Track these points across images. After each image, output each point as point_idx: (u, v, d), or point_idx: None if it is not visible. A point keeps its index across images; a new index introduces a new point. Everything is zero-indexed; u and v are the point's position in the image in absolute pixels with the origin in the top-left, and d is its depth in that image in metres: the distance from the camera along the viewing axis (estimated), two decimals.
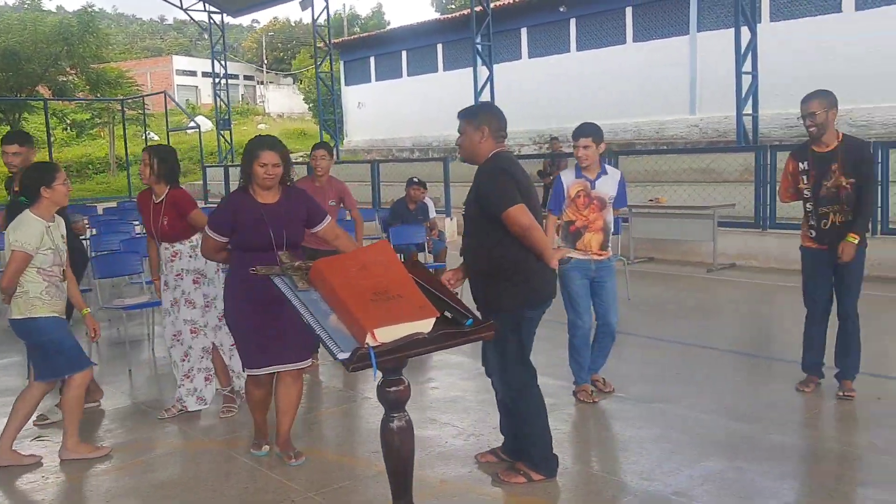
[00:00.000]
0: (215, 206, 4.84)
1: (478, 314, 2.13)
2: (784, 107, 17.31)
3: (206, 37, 26.38)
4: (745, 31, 14.18)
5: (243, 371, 4.48)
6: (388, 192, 14.35)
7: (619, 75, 20.79)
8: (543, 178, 15.86)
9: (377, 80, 28.95)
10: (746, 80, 14.24)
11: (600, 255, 5.08)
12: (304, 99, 44.59)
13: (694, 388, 5.49)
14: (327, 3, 23.39)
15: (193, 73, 55.31)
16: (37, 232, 4.29)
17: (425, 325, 1.94)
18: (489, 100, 19.30)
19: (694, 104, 19.58)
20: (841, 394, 5.13)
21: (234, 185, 20.26)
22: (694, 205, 11.04)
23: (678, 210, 10.95)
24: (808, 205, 5.13)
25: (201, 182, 21.59)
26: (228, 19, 26.37)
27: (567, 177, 5.15)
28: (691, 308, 8.33)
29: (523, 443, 4.05)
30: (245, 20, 63.29)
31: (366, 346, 1.84)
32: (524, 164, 14.57)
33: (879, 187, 9.31)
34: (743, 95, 13.88)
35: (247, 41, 71.35)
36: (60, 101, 26.95)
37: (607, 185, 5.09)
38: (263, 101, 55.10)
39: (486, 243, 3.75)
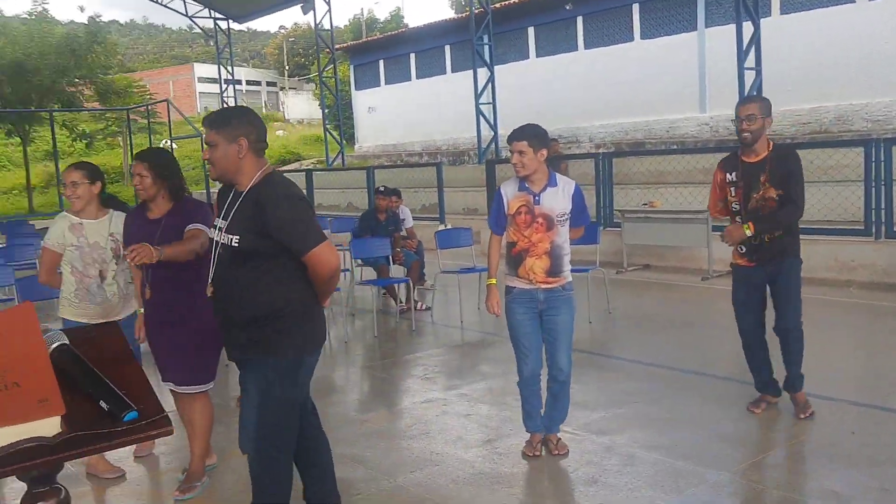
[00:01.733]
0: None
1: (157, 405, 1.59)
2: (795, 102, 16.60)
3: (202, 44, 26.17)
4: (748, 25, 13.51)
5: None
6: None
7: (627, 73, 20.14)
8: None
9: (387, 83, 28.50)
10: (750, 76, 13.56)
11: (548, 283, 4.20)
12: (319, 105, 44.38)
13: (652, 420, 4.94)
14: (329, 7, 23.05)
15: (215, 81, 55.39)
16: (57, 229, 4.28)
17: (47, 427, 1.41)
18: (490, 101, 18.83)
19: (704, 102, 18.84)
20: (802, 416, 4.75)
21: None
22: (690, 209, 10.42)
23: (670, 215, 10.35)
24: (737, 218, 4.77)
25: (204, 190, 21.31)
26: (236, 26, 26.16)
27: (508, 189, 4.25)
28: (673, 322, 7.72)
29: None
30: (272, 26, 63.45)
31: None
32: None
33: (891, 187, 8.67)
34: (746, 92, 13.19)
35: (268, 47, 71.51)
36: (65, 112, 26.83)
37: (556, 200, 4.17)
38: (284, 108, 55.04)
39: (264, 280, 3.09)
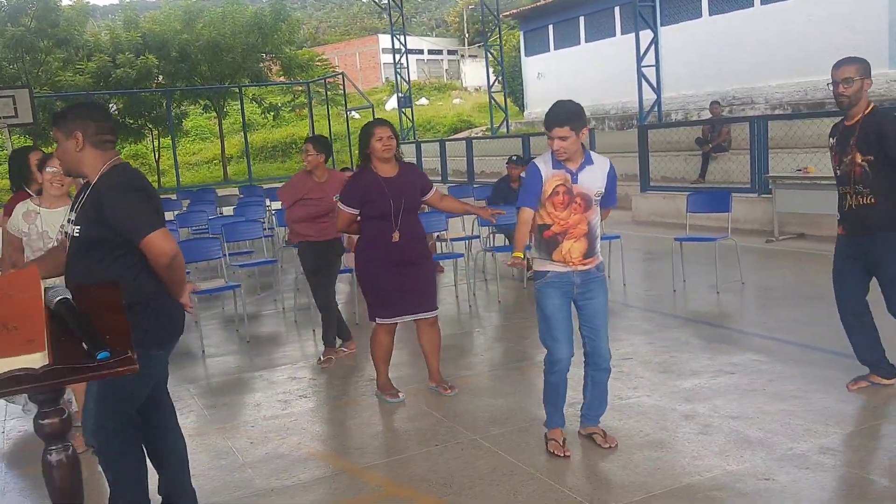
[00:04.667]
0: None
1: (130, 348, 1.97)
2: None
3: (385, 16, 27.06)
4: None
5: (373, 321, 5.09)
6: None
7: (808, 28, 18.88)
8: (702, 147, 14.83)
9: (556, 48, 28.32)
10: None
11: (584, 264, 4.01)
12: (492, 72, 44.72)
13: (744, 391, 4.91)
14: None
15: (399, 51, 56.94)
16: (16, 215, 4.57)
17: (32, 360, 1.79)
18: (654, 64, 18.33)
19: (894, 56, 17.40)
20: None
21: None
22: None
23: (826, 181, 9.79)
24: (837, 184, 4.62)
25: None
26: None
27: (544, 166, 3.97)
28: (806, 295, 7.25)
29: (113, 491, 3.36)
30: None
31: None
32: (683, 132, 13.95)
33: None
34: None
35: (450, 15, 72.63)
36: (253, 88, 28.82)
37: (593, 178, 3.96)
38: (462, 76, 55.89)
39: (106, 272, 3.06)
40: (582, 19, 26.79)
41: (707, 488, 3.62)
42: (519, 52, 30.78)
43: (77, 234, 3.14)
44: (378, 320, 5.04)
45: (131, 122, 27.27)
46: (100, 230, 3.06)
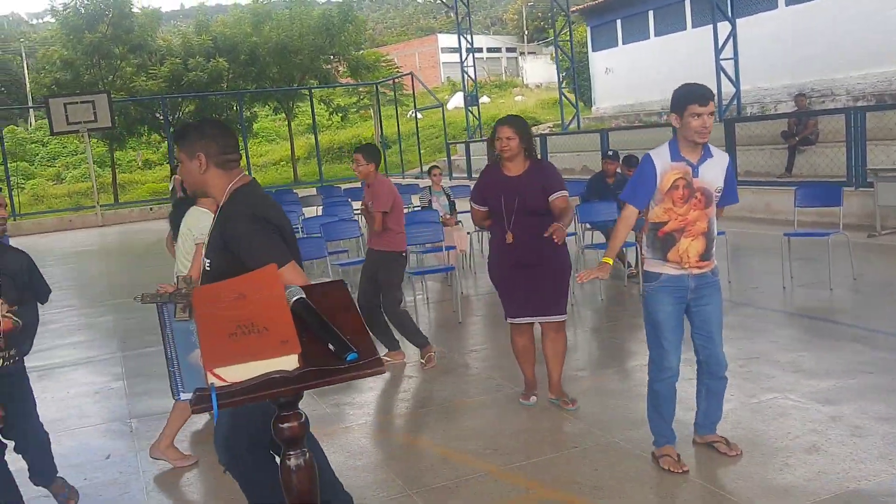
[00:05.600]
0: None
1: (374, 349, 1.90)
2: None
3: (442, 15, 26.99)
4: None
5: (506, 320, 4.95)
6: None
7: (889, 17, 18.19)
8: (788, 140, 14.42)
9: (624, 43, 27.90)
10: None
11: (700, 267, 3.76)
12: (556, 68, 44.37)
13: (886, 391, 4.70)
14: None
15: (466, 49, 56.47)
16: (208, 223, 4.48)
17: (287, 363, 1.75)
18: (732, 56, 17.92)
19: None
20: None
21: (478, 161, 20.67)
22: None
23: None
24: None
25: (446, 159, 22.27)
26: None
27: (660, 158, 3.72)
28: None
29: None
30: None
31: (209, 385, 1.75)
32: (763, 125, 13.58)
33: None
34: None
35: (508, 13, 72.32)
36: (322, 89, 29.09)
37: (714, 172, 3.71)
38: (522, 73, 55.57)
39: None
40: (651, 13, 26.34)
41: (879, 494, 3.47)
42: (586, 47, 30.42)
43: (209, 269, 2.96)
44: (507, 320, 4.98)
45: None
46: (227, 264, 2.82)
